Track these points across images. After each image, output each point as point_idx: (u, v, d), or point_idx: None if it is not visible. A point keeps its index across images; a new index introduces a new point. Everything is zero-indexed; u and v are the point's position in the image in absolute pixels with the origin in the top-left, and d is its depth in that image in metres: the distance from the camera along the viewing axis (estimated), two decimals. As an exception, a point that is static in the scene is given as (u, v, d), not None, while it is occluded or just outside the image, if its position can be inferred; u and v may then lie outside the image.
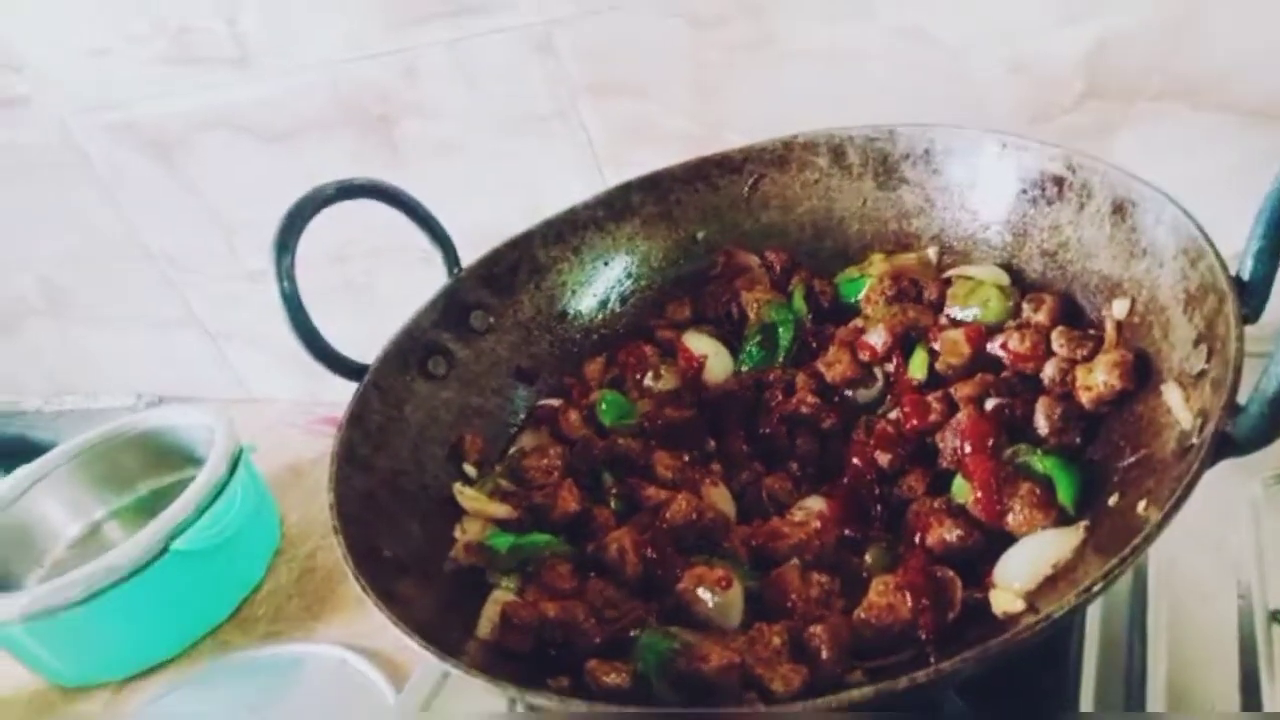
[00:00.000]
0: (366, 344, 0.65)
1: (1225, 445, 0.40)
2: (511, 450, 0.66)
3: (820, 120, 0.71)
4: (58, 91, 1.13)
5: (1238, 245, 0.47)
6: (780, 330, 0.67)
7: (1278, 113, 0.70)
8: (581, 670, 0.48)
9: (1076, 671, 0.55)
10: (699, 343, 0.68)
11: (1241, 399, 0.40)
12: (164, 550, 0.92)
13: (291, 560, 1.04)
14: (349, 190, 0.66)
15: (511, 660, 0.51)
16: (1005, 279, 0.62)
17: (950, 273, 0.64)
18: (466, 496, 0.61)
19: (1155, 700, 0.52)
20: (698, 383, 0.66)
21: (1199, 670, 0.52)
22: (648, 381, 0.67)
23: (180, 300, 1.30)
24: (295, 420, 1.25)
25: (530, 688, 0.42)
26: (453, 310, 0.69)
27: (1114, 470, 0.49)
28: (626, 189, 0.74)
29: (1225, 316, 0.43)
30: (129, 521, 1.12)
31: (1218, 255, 0.46)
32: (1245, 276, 0.45)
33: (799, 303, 0.68)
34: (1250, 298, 0.45)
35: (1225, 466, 0.41)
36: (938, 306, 0.63)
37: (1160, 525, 0.38)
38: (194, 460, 1.08)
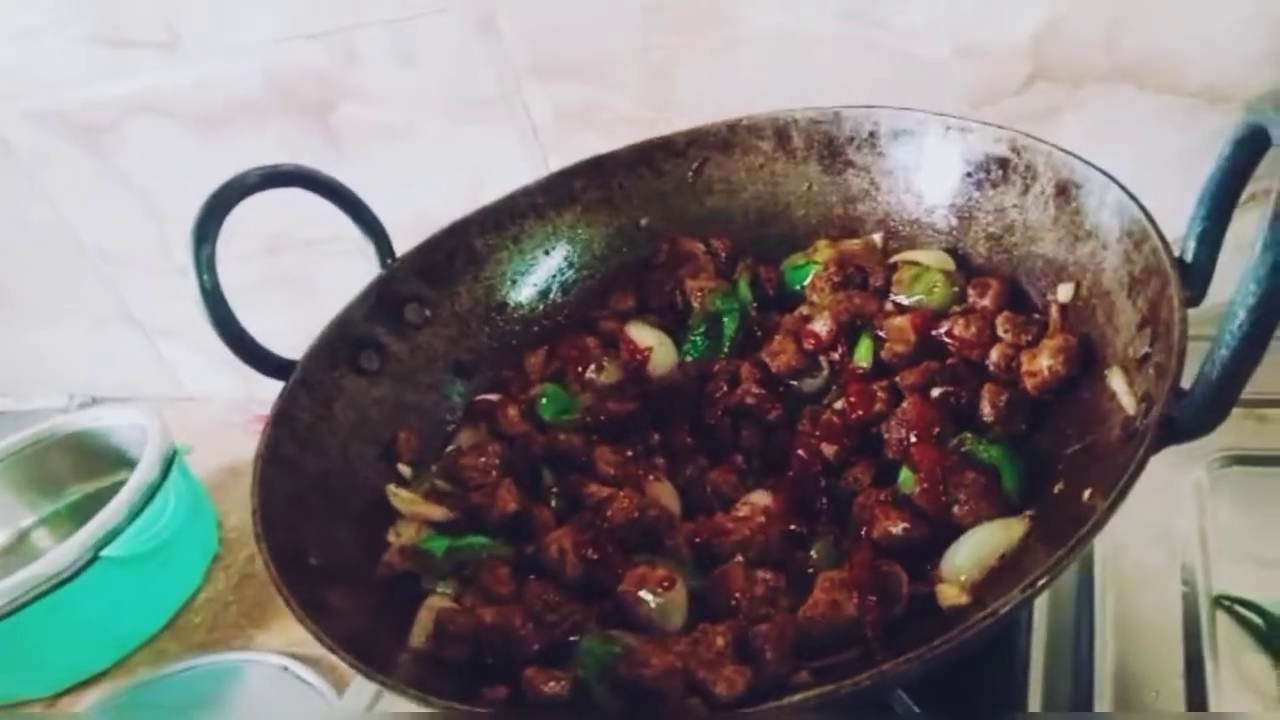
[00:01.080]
0: (302, 339, 0.63)
1: (1169, 431, 0.39)
2: (449, 448, 0.63)
3: (771, 103, 0.69)
4: (-24, 76, 1.07)
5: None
6: (725, 320, 0.65)
7: (1224, 94, 0.70)
8: (520, 678, 0.46)
9: (1025, 657, 0.54)
10: (643, 334, 0.66)
11: (1186, 383, 0.39)
12: (94, 558, 0.88)
13: (230, 566, 1.00)
14: (274, 178, 0.62)
15: (447, 669, 0.49)
16: (951, 264, 0.61)
17: (896, 258, 0.63)
18: (400, 498, 0.58)
19: (1102, 684, 0.51)
20: (641, 375, 0.65)
21: (1145, 656, 0.52)
22: (590, 374, 0.65)
23: (113, 295, 1.25)
24: (233, 420, 1.21)
25: (461, 703, 0.39)
26: (385, 302, 0.66)
27: (1059, 458, 0.48)
28: (567, 174, 0.71)
29: (1168, 300, 0.42)
30: (59, 528, 1.08)
31: (1161, 237, 0.45)
32: (1188, 259, 0.45)
33: (744, 291, 0.67)
34: (1193, 280, 0.44)
35: (1169, 451, 0.40)
36: (883, 293, 0.61)
37: (1105, 515, 0.37)
38: (127, 463, 1.03)
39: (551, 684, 0.45)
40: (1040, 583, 0.36)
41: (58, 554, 0.87)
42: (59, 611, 0.88)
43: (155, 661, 0.93)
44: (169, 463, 0.96)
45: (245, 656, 0.89)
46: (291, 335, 0.62)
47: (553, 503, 0.58)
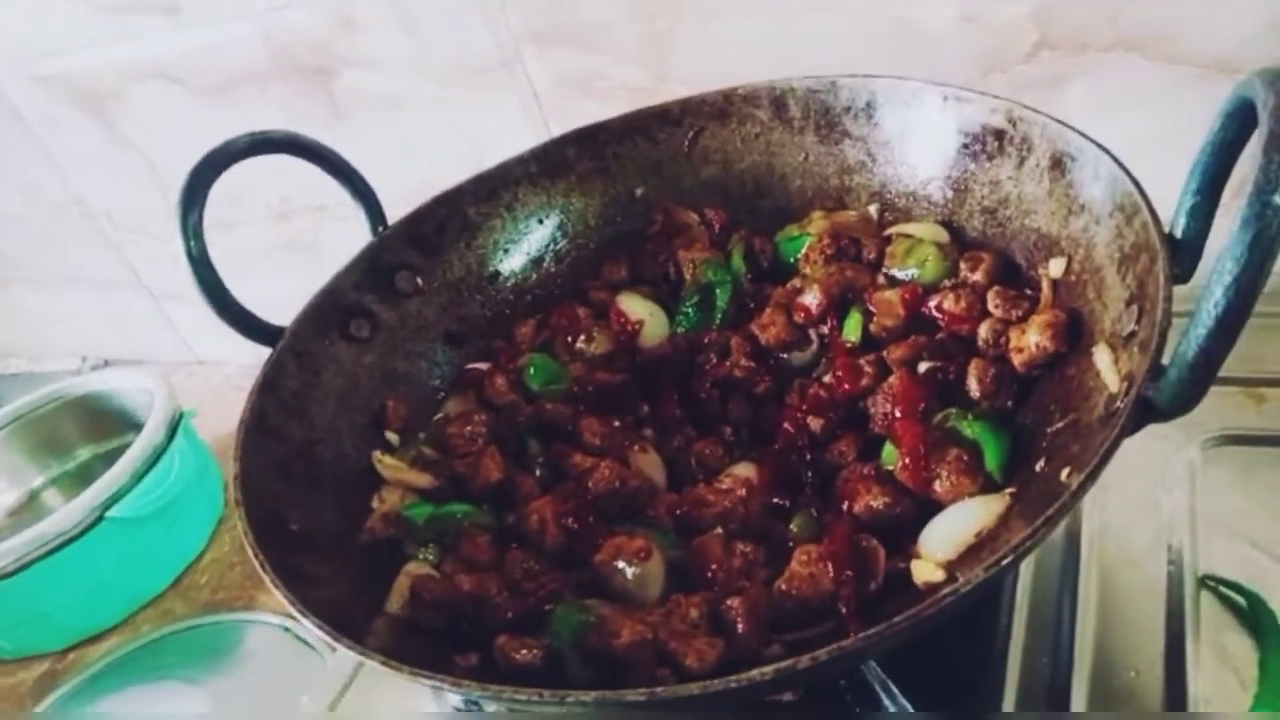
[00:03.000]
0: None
1: (1147, 411, 0.38)
2: (437, 416, 0.63)
3: (773, 72, 0.68)
4: (-15, 41, 1.08)
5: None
6: (718, 291, 0.65)
7: (1233, 66, 0.67)
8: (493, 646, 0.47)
9: (1005, 633, 0.54)
10: (634, 305, 0.66)
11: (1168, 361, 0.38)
12: (100, 518, 0.90)
13: (235, 528, 1.01)
14: (262, 144, 0.62)
15: (422, 636, 0.49)
16: (945, 237, 0.60)
17: (890, 230, 0.62)
18: (386, 465, 0.58)
19: (1081, 660, 0.51)
20: (632, 346, 0.64)
21: (1126, 634, 0.51)
22: (580, 345, 0.65)
23: (121, 260, 1.26)
24: (243, 385, 1.21)
25: (427, 672, 0.40)
26: (376, 271, 0.66)
27: (1043, 435, 0.47)
28: (562, 143, 0.71)
29: (1155, 276, 0.41)
30: (68, 489, 1.09)
31: (1153, 212, 0.44)
32: (1178, 234, 0.43)
33: (738, 262, 0.66)
34: (1182, 256, 0.43)
35: (1163, 430, 0.39)
36: (876, 265, 0.61)
37: (1075, 496, 0.37)
38: (135, 425, 1.04)
39: (523, 652, 0.45)
40: (1005, 562, 0.36)
41: (64, 513, 0.89)
42: (66, 569, 0.90)
43: (160, 620, 0.94)
44: (175, 426, 0.97)
45: (247, 616, 0.91)
46: (299, 300, 0.62)
47: (538, 472, 0.58)
